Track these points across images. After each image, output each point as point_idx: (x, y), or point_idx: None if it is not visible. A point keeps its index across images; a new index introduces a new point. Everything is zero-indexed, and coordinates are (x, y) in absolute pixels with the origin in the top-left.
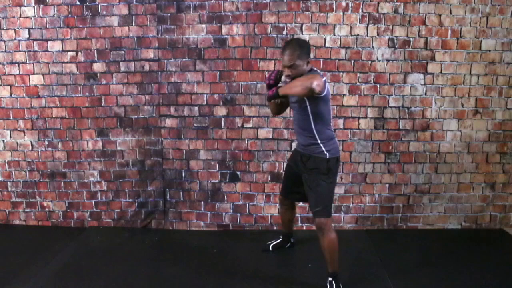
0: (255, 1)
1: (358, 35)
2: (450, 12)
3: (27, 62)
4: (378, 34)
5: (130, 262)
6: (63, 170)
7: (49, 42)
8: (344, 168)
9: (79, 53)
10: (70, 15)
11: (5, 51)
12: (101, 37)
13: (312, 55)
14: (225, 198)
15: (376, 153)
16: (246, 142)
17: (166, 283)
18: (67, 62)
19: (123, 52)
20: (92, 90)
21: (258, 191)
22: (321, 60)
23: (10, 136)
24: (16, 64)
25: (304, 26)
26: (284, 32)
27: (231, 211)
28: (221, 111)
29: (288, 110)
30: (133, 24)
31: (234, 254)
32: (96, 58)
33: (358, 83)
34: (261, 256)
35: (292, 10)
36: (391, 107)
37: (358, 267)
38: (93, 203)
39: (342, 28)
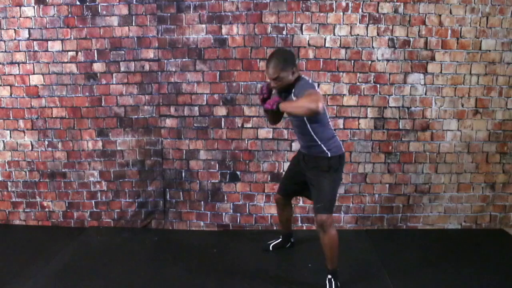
0: (255, 1)
1: (358, 35)
2: (450, 12)
3: (27, 62)
4: (378, 34)
5: (130, 262)
6: (63, 170)
7: (49, 42)
8: (344, 168)
9: (79, 53)
10: (70, 15)
11: (5, 51)
12: (101, 37)
13: (312, 55)
14: (225, 198)
15: (376, 153)
16: (246, 142)
17: (166, 283)
18: (67, 62)
19: (123, 52)
20: (92, 90)
21: (258, 191)
22: (321, 60)
23: (10, 136)
24: (16, 64)
25: (304, 26)
26: (284, 32)
27: (231, 211)
28: (221, 111)
29: None
30: (133, 24)
31: (234, 254)
32: (96, 58)
33: (358, 83)
34: (261, 256)
35: (292, 10)
36: (391, 107)
37: (358, 267)
38: (93, 203)
39: (342, 28)
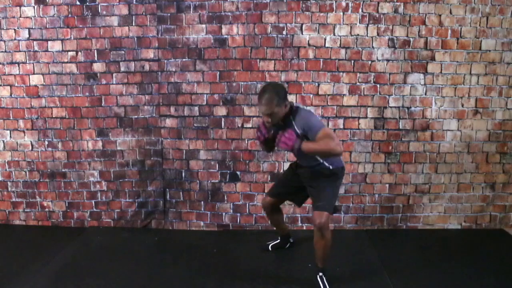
0: (255, 1)
1: (358, 35)
2: (450, 12)
3: (27, 62)
4: (378, 34)
5: (130, 262)
6: (63, 170)
7: (49, 42)
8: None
9: (79, 53)
10: (70, 15)
11: (5, 51)
12: (101, 37)
13: (312, 55)
14: (225, 198)
15: (376, 153)
16: (246, 142)
17: (166, 283)
18: (67, 62)
19: (123, 52)
20: (92, 90)
21: (258, 191)
22: (321, 60)
23: (10, 136)
24: (16, 64)
25: (304, 26)
26: (284, 32)
27: (231, 211)
28: (221, 111)
29: None
30: (133, 24)
31: (234, 254)
32: (96, 58)
33: (358, 83)
34: (261, 256)
35: (292, 10)
36: (391, 107)
37: (358, 267)
38: (93, 203)
39: (342, 28)
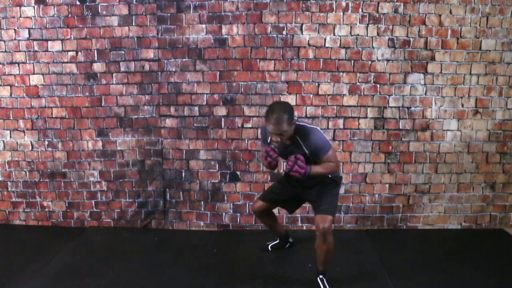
0: (255, 1)
1: (358, 35)
2: (450, 12)
3: (27, 62)
4: (378, 34)
5: (130, 262)
6: (63, 170)
7: (49, 42)
8: (344, 168)
9: (79, 53)
10: (70, 15)
11: (5, 51)
12: (101, 37)
13: (312, 55)
14: (225, 198)
15: (376, 153)
16: (246, 142)
17: (166, 283)
18: (67, 62)
19: (123, 52)
20: (92, 90)
21: (258, 191)
22: (321, 60)
23: (10, 136)
24: (16, 64)
25: (304, 26)
26: (284, 32)
27: (231, 211)
28: (221, 111)
29: None
30: (133, 24)
31: (234, 254)
32: (96, 58)
33: (358, 83)
34: (261, 256)
35: (292, 10)
36: (391, 107)
37: (358, 267)
38: (93, 203)
39: (342, 28)
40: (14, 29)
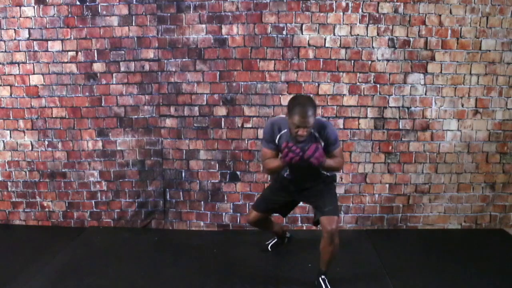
0: (255, 1)
1: (358, 35)
2: (450, 12)
3: (27, 62)
4: (378, 34)
5: (130, 262)
6: (63, 170)
7: (49, 42)
8: (344, 168)
9: (79, 53)
10: (70, 15)
11: (5, 51)
12: (101, 37)
13: (312, 55)
14: (225, 198)
15: (376, 153)
16: (246, 142)
17: (166, 283)
18: (67, 62)
19: (123, 52)
20: (92, 90)
21: (258, 191)
22: (321, 60)
23: (10, 136)
24: (16, 64)
25: (304, 26)
26: (284, 32)
27: (231, 211)
28: (221, 111)
29: None
30: (133, 24)
31: (234, 254)
32: (96, 58)
33: (358, 83)
34: (261, 256)
35: (292, 10)
36: (391, 107)
37: (358, 267)
38: (93, 203)
39: (342, 28)
40: (14, 29)
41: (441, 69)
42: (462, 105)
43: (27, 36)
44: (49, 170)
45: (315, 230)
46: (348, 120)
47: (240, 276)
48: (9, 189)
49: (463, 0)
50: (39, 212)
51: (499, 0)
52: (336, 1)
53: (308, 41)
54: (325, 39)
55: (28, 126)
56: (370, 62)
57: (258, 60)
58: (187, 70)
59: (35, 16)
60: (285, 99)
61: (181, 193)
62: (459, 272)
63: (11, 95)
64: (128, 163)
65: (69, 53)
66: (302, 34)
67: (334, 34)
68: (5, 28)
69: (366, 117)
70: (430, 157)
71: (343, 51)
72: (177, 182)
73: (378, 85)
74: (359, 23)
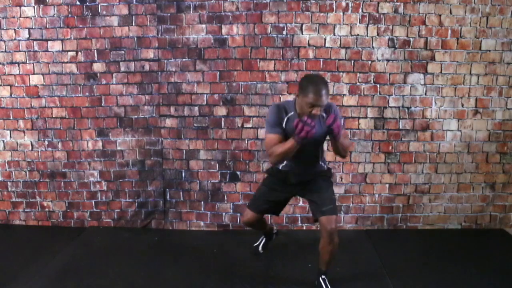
0: (255, 1)
1: (358, 35)
2: (450, 12)
3: (27, 62)
4: (378, 34)
5: (130, 262)
6: (63, 170)
7: (49, 42)
8: (344, 168)
9: (79, 53)
10: (70, 15)
11: (5, 51)
12: (101, 37)
13: (312, 55)
14: (225, 198)
15: (376, 153)
16: (246, 142)
17: (166, 283)
18: (67, 62)
19: (123, 52)
20: (92, 90)
21: None
22: (321, 60)
23: (10, 136)
24: (16, 64)
25: (304, 26)
26: (284, 32)
27: (231, 211)
28: (221, 111)
29: None
30: (133, 24)
31: (234, 254)
32: (96, 58)
33: (358, 83)
34: (261, 256)
35: (292, 10)
36: (391, 107)
37: (358, 267)
38: (93, 203)
39: (342, 28)
40: (14, 29)
41: (441, 69)
42: (462, 105)
43: (27, 36)
44: (49, 170)
45: (315, 230)
46: (348, 120)
47: (240, 276)
48: (9, 189)
49: (463, 0)
50: (39, 212)
51: (499, 0)
52: (336, 1)
53: (308, 41)
54: (325, 39)
55: (28, 126)
56: (370, 62)
57: (258, 60)
58: (187, 70)
59: (35, 16)
60: (285, 99)
61: (181, 193)
62: (459, 272)
63: (11, 95)
64: (128, 163)
65: (69, 53)
66: (302, 34)
67: (334, 34)
68: (5, 28)
69: (366, 117)
70: (430, 157)
71: (343, 51)
72: (177, 182)
73: (378, 85)
74: (359, 23)
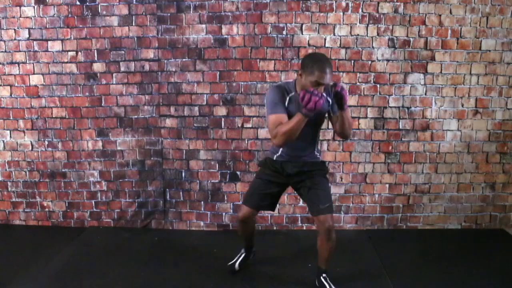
0: (255, 1)
1: (358, 35)
2: (450, 12)
3: (27, 62)
4: (378, 34)
5: (130, 262)
6: (63, 170)
7: (49, 42)
8: (344, 168)
9: (79, 53)
10: (70, 15)
11: (5, 51)
12: (101, 37)
13: None
14: (225, 198)
15: (376, 153)
16: (246, 142)
17: (166, 283)
18: (67, 62)
19: (123, 52)
20: (92, 90)
21: None
22: None
23: (10, 136)
24: (16, 64)
25: (304, 26)
26: (284, 32)
27: (231, 211)
28: (221, 111)
29: None
30: (133, 24)
31: (234, 254)
32: (96, 58)
33: (358, 83)
34: (261, 256)
35: (292, 10)
36: (391, 107)
37: (358, 267)
38: (93, 203)
39: (342, 28)
40: (14, 29)
41: (441, 69)
42: (462, 105)
43: (27, 36)
44: (49, 170)
45: (315, 230)
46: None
47: (240, 276)
48: (9, 189)
49: (463, 0)
50: (39, 212)
51: (499, 0)
52: (336, 1)
53: (308, 41)
54: (325, 39)
55: (28, 126)
56: (370, 62)
57: (258, 60)
58: (187, 70)
59: (35, 16)
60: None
61: (181, 193)
62: (459, 272)
63: (11, 95)
64: (128, 163)
65: (69, 53)
66: (302, 34)
67: (334, 34)
68: (5, 28)
69: (366, 117)
70: (430, 157)
71: (343, 51)
72: (177, 182)
73: (378, 85)
74: (359, 23)
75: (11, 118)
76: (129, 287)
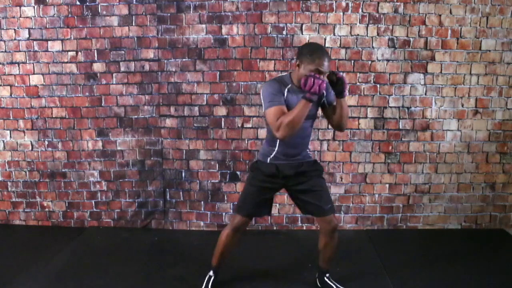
0: (255, 1)
1: (358, 35)
2: (450, 12)
3: (27, 62)
4: (378, 34)
5: (130, 262)
6: (63, 170)
7: (49, 42)
8: (344, 168)
9: (79, 53)
10: (70, 15)
11: (5, 51)
12: (101, 37)
13: None
14: (225, 198)
15: (376, 153)
16: (246, 142)
17: (166, 283)
18: (67, 62)
19: (123, 52)
20: (92, 90)
21: None
22: None
23: (10, 136)
24: (16, 64)
25: (304, 26)
26: (284, 32)
27: (231, 211)
28: (221, 111)
29: None
30: (133, 24)
31: (234, 254)
32: (96, 58)
33: (358, 83)
34: (261, 256)
35: (292, 10)
36: (391, 107)
37: (358, 267)
38: (93, 203)
39: (342, 28)
40: (14, 29)
41: (441, 69)
42: (462, 105)
43: (27, 36)
44: (49, 170)
45: (315, 230)
46: (348, 120)
47: (240, 276)
48: (9, 189)
49: (463, 0)
50: (39, 212)
51: (499, 0)
52: (336, 1)
53: (308, 41)
54: (325, 39)
55: (28, 126)
56: (370, 62)
57: (258, 60)
58: (187, 70)
59: (35, 16)
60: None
61: (181, 193)
62: (459, 272)
63: (11, 95)
64: (128, 163)
65: (69, 53)
66: (302, 34)
67: (334, 34)
68: (5, 28)
69: (366, 117)
70: (430, 157)
71: (343, 51)
72: (177, 182)
73: (378, 85)
74: (359, 23)
75: (11, 118)
76: (129, 287)
